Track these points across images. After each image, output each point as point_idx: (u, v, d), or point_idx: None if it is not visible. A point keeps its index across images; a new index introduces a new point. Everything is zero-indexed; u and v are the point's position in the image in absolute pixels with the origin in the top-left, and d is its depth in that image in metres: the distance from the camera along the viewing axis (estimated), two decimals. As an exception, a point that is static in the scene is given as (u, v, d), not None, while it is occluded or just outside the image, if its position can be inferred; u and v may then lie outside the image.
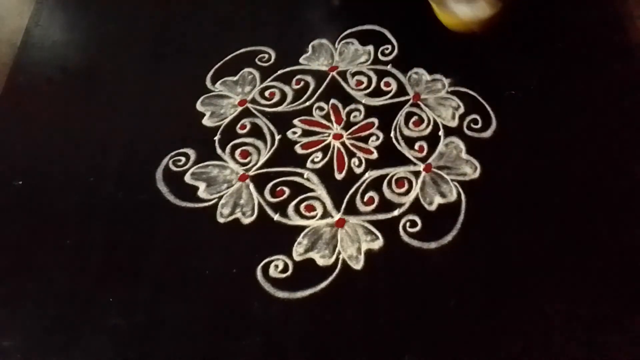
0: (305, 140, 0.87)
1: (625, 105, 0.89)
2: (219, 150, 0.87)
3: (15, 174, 0.85)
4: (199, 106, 0.91)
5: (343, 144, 0.87)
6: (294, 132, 0.88)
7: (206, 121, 0.90)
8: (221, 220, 0.80)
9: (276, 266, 0.76)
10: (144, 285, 0.75)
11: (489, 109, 0.89)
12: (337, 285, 0.74)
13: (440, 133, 0.87)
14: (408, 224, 0.78)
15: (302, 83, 0.93)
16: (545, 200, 0.80)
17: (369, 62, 0.95)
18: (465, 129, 0.87)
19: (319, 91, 0.92)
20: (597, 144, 0.85)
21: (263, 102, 0.92)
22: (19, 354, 0.71)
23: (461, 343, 0.70)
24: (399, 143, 0.86)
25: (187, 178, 0.84)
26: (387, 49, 0.96)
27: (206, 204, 0.81)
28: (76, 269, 0.77)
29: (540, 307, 0.72)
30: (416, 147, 0.86)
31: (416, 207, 0.80)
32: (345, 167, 0.84)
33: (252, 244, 0.78)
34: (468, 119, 0.88)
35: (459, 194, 0.81)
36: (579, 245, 0.76)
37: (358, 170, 0.84)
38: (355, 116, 0.89)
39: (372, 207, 0.80)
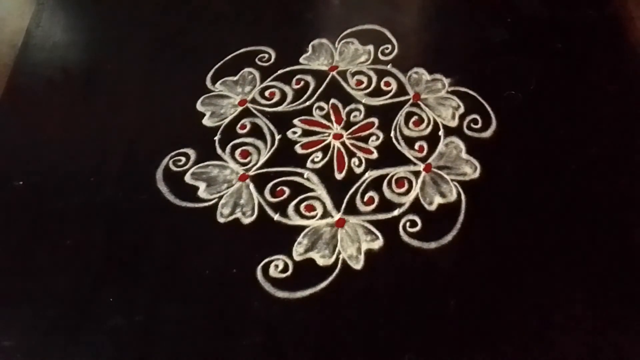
0: (305, 140, 0.87)
1: (625, 105, 0.89)
2: (219, 150, 0.87)
3: (15, 174, 0.85)
4: (199, 106, 0.91)
5: (343, 143, 0.87)
6: (294, 132, 0.88)
7: (206, 121, 0.90)
8: (221, 220, 0.80)
9: (276, 266, 0.76)
10: (144, 285, 0.75)
11: (489, 109, 0.89)
12: (337, 285, 0.74)
13: (440, 133, 0.87)
14: (408, 224, 0.78)
15: (302, 83, 0.93)
16: (545, 200, 0.80)
17: (369, 61, 0.95)
18: (465, 129, 0.87)
19: (319, 91, 0.92)
20: (597, 143, 0.85)
21: (263, 102, 0.92)
22: (19, 354, 0.71)
23: (461, 343, 0.70)
24: (399, 143, 0.86)
25: (187, 178, 0.84)
26: (387, 48, 0.97)
27: (206, 204, 0.81)
28: (76, 269, 0.77)
29: (541, 307, 0.72)
30: (416, 147, 0.86)
31: (416, 207, 0.80)
32: (345, 167, 0.84)
33: (252, 244, 0.78)
34: (468, 119, 0.88)
35: (459, 194, 0.81)
36: (579, 245, 0.76)
37: (358, 170, 0.84)
38: (355, 116, 0.90)
39: (372, 207, 0.80)
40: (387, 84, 0.93)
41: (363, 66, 0.95)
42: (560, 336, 0.70)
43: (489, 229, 0.78)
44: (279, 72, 0.95)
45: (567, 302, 0.72)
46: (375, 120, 0.89)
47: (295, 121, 0.89)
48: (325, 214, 0.80)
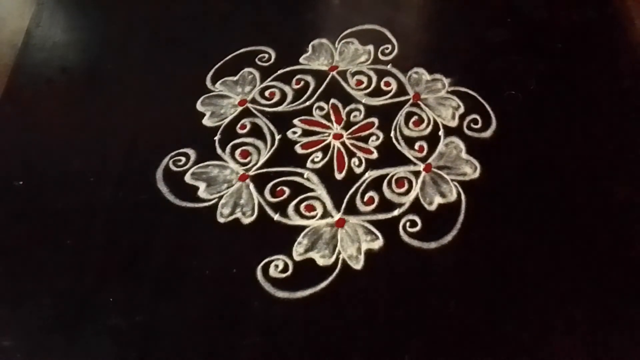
0: (305, 140, 0.87)
1: (624, 105, 0.89)
2: (219, 150, 0.87)
3: (15, 174, 0.85)
4: (199, 106, 0.91)
5: (343, 143, 0.87)
6: (294, 132, 0.88)
7: (206, 121, 0.90)
8: (221, 220, 0.80)
9: (276, 266, 0.76)
10: (144, 285, 0.75)
11: (489, 109, 0.89)
12: (337, 285, 0.74)
13: (440, 133, 0.87)
14: (408, 224, 0.78)
15: (302, 83, 0.93)
16: (545, 200, 0.80)
17: (369, 61, 0.95)
18: (465, 129, 0.87)
19: (319, 91, 0.92)
20: (597, 143, 0.85)
21: (263, 102, 0.92)
22: (19, 354, 0.71)
23: (461, 343, 0.70)
24: (399, 143, 0.86)
25: (187, 178, 0.84)
26: (387, 48, 0.97)
27: (206, 204, 0.81)
28: (76, 269, 0.77)
29: (541, 307, 0.72)
30: (416, 147, 0.86)
31: (416, 207, 0.80)
32: (345, 167, 0.84)
33: (252, 244, 0.78)
34: (468, 119, 0.88)
35: (459, 194, 0.81)
36: (579, 245, 0.76)
37: (358, 170, 0.84)
38: (355, 116, 0.90)
39: (372, 207, 0.80)
40: (387, 84, 0.93)
41: (363, 66, 0.95)
42: (560, 336, 0.70)
43: (489, 229, 0.78)
44: (279, 72, 0.95)
45: (567, 302, 0.72)
46: (375, 120, 0.89)
47: (295, 121, 0.89)
48: (325, 214, 0.80)
